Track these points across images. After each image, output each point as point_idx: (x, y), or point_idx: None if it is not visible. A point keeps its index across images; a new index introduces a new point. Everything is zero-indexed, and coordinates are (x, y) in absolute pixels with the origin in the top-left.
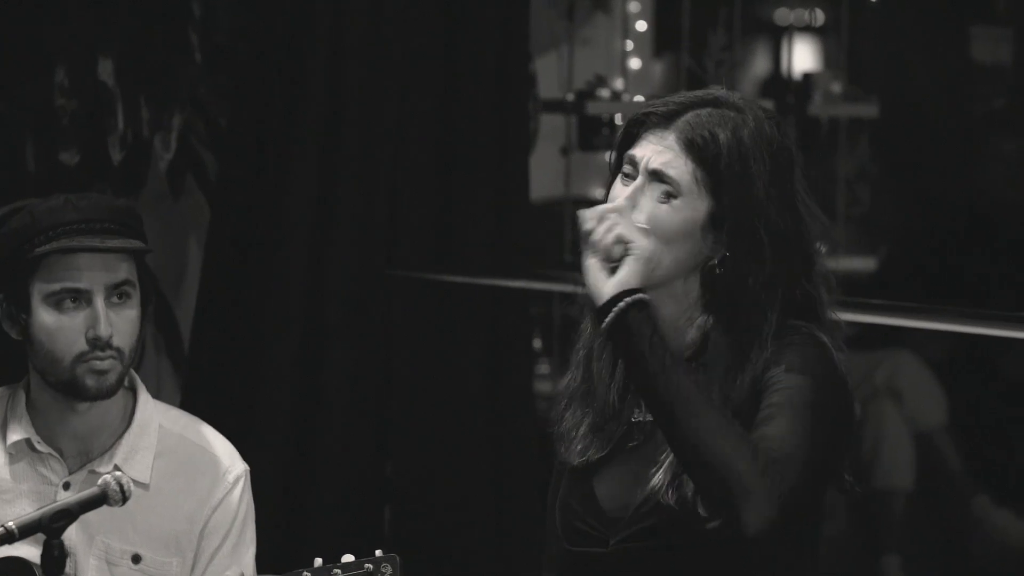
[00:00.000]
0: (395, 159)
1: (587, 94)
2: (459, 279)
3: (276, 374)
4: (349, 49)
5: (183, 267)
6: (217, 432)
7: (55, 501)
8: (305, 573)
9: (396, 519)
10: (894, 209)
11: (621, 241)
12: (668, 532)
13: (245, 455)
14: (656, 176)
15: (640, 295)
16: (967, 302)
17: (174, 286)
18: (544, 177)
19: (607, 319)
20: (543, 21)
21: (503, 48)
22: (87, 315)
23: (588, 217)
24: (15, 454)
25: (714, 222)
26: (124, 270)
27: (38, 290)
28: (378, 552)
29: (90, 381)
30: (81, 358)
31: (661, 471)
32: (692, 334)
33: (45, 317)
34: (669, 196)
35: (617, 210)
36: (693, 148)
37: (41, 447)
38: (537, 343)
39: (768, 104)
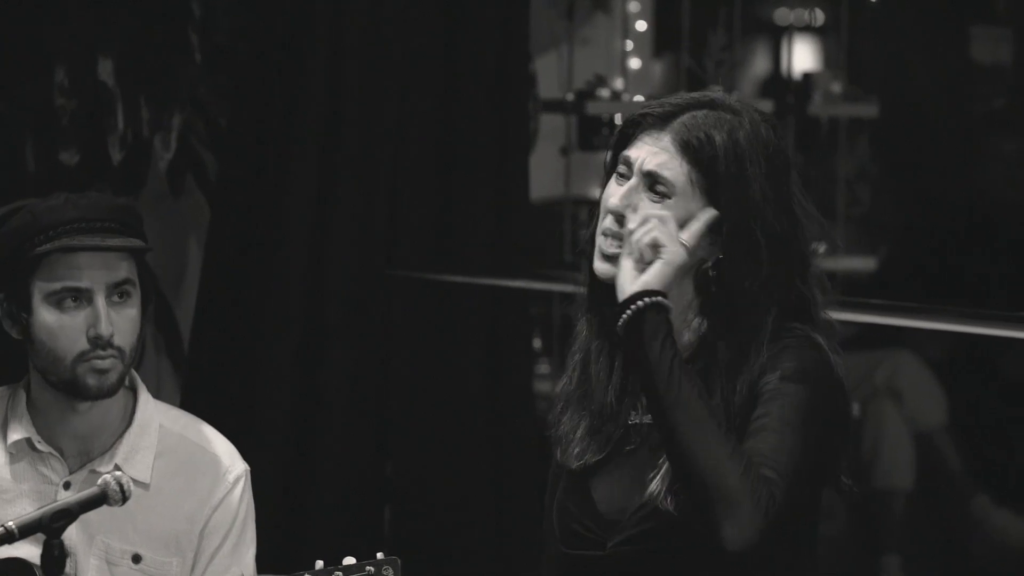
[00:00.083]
0: (395, 159)
1: (587, 94)
2: (459, 279)
3: (276, 374)
4: (349, 49)
5: (183, 267)
6: (217, 432)
7: (55, 501)
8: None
9: (396, 519)
10: (894, 209)
11: (656, 245)
12: (666, 536)
13: (245, 455)
14: (650, 177)
15: (659, 298)
16: (967, 302)
17: (174, 286)
18: (544, 177)
19: (624, 316)
20: (543, 21)
21: (503, 48)
22: (88, 314)
23: (633, 218)
24: (16, 454)
25: (709, 224)
26: (125, 269)
27: (39, 289)
28: (379, 555)
29: (91, 380)
30: (82, 357)
31: (659, 476)
32: (688, 336)
33: (46, 316)
34: (663, 197)
35: (660, 217)
36: (688, 150)
37: (42, 446)
38: (537, 343)
39: (768, 104)
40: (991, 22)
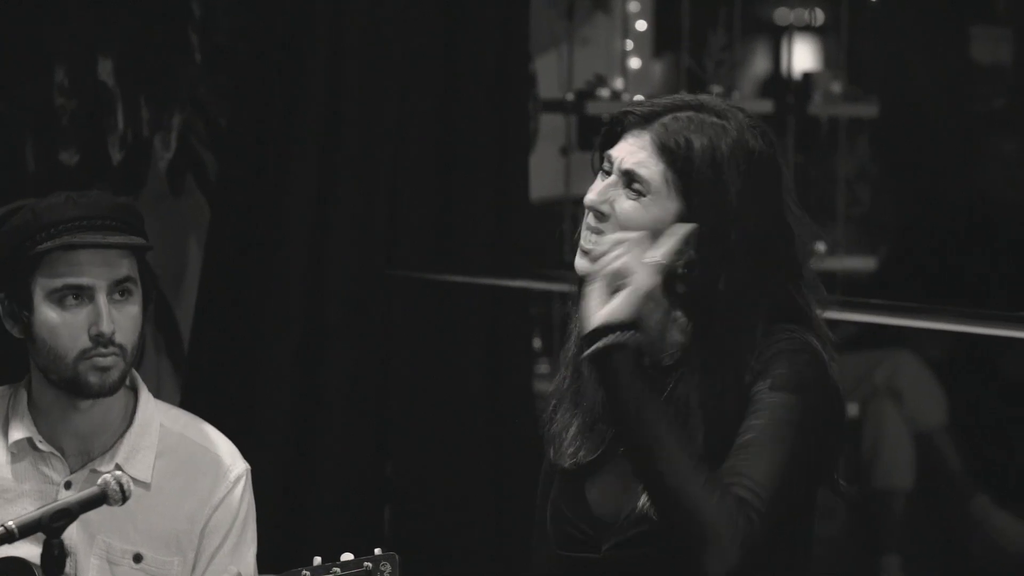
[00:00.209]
0: (395, 159)
1: (587, 94)
2: (459, 279)
3: (276, 374)
4: (349, 49)
5: (183, 267)
6: (218, 431)
7: (56, 500)
8: (304, 572)
9: (396, 519)
10: (894, 209)
11: (624, 271)
12: (660, 538)
13: (245, 455)
14: (627, 175)
15: (624, 334)
16: (967, 302)
17: (174, 286)
18: (544, 177)
19: (589, 350)
20: (543, 21)
21: (503, 48)
22: (89, 312)
23: (606, 242)
24: (17, 453)
25: (685, 239)
26: (126, 267)
27: (40, 287)
28: (377, 550)
29: (93, 378)
30: (84, 355)
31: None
32: (675, 335)
33: (47, 314)
34: (639, 195)
35: (633, 241)
36: (665, 151)
37: (43, 446)
38: (537, 343)
39: (768, 104)
40: (991, 22)
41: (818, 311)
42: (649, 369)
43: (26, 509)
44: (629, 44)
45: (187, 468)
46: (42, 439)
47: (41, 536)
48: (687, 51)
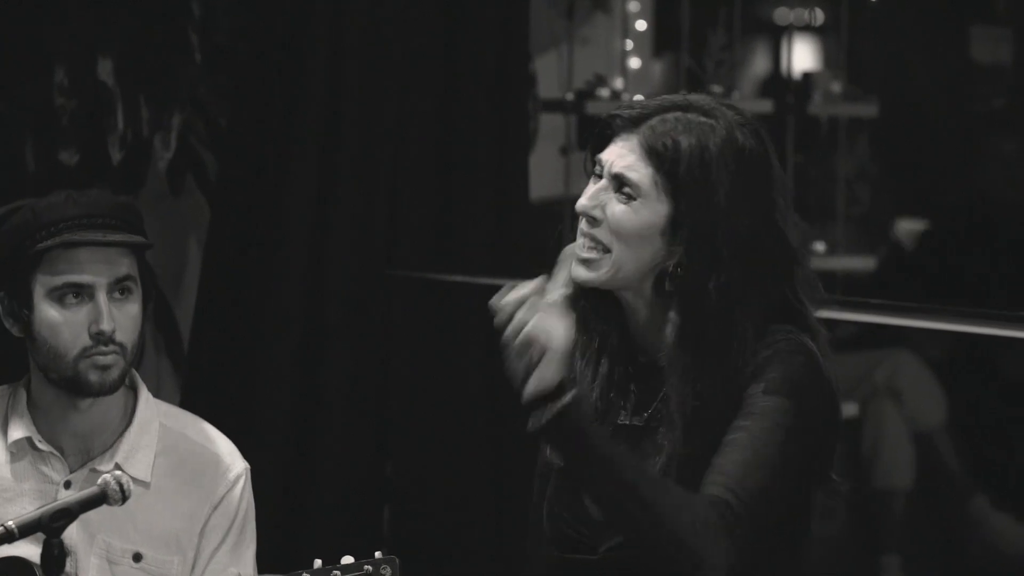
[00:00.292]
0: (395, 159)
1: (587, 94)
2: (459, 279)
3: (276, 374)
4: (349, 49)
5: (183, 267)
6: (218, 431)
7: (56, 500)
8: (304, 575)
9: (396, 519)
10: (894, 209)
11: (533, 338)
12: None
13: (245, 455)
14: (617, 179)
15: (564, 397)
16: (967, 302)
17: (174, 286)
18: (544, 177)
19: (539, 425)
20: (543, 21)
21: (503, 48)
22: (89, 310)
23: (499, 311)
24: (16, 453)
25: (674, 226)
26: (126, 265)
27: (40, 285)
28: (378, 554)
29: (93, 376)
30: (84, 353)
31: None
32: (669, 335)
33: (47, 312)
34: (629, 198)
35: (530, 299)
36: (653, 153)
37: (42, 445)
38: None
39: (768, 104)
40: (991, 22)
41: (814, 310)
42: (642, 368)
43: (26, 508)
44: (629, 44)
45: (187, 467)
46: (41, 438)
47: (41, 536)
48: (687, 51)
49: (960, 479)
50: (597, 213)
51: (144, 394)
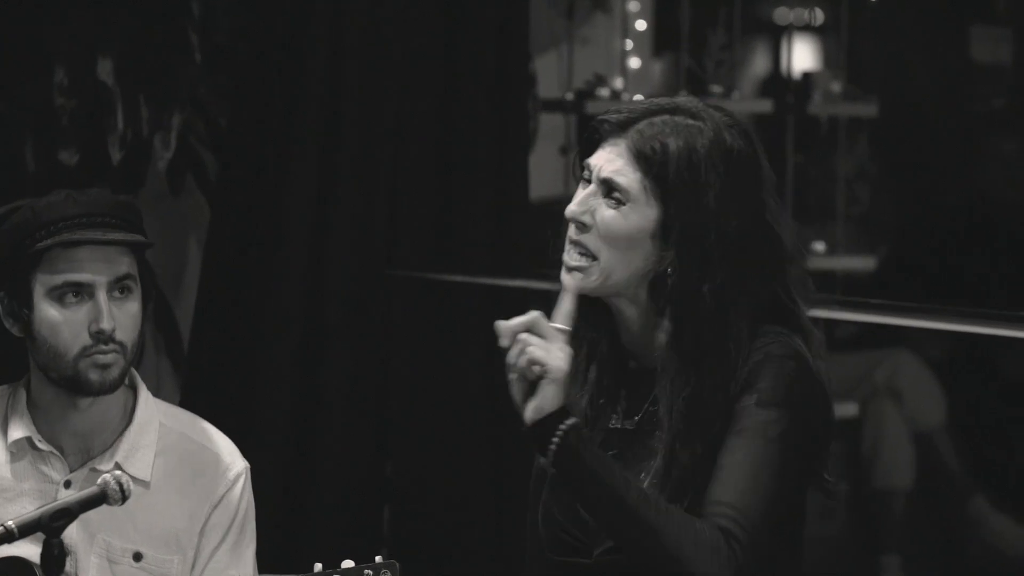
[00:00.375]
0: (395, 159)
1: (587, 93)
2: (459, 279)
3: (276, 374)
4: (349, 49)
5: (183, 267)
6: (217, 430)
7: (56, 499)
8: None
9: (396, 519)
10: (894, 209)
11: (534, 363)
12: None
13: (245, 455)
14: (606, 184)
15: (565, 423)
16: (967, 302)
17: (174, 286)
18: (544, 177)
19: (547, 455)
20: (543, 20)
21: (503, 48)
22: (89, 309)
23: (502, 334)
24: (16, 452)
25: (664, 230)
26: (126, 264)
27: (40, 284)
28: (378, 558)
29: (93, 375)
30: (84, 352)
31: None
32: (661, 338)
33: (47, 312)
34: (619, 203)
35: (529, 327)
36: (641, 157)
37: (42, 445)
38: None
39: (768, 103)
40: (991, 22)
41: (806, 309)
42: (633, 372)
43: (26, 508)
44: (629, 44)
45: (187, 466)
46: (41, 438)
47: (42, 535)
48: (687, 51)
49: (960, 479)
50: (587, 219)
51: (144, 393)
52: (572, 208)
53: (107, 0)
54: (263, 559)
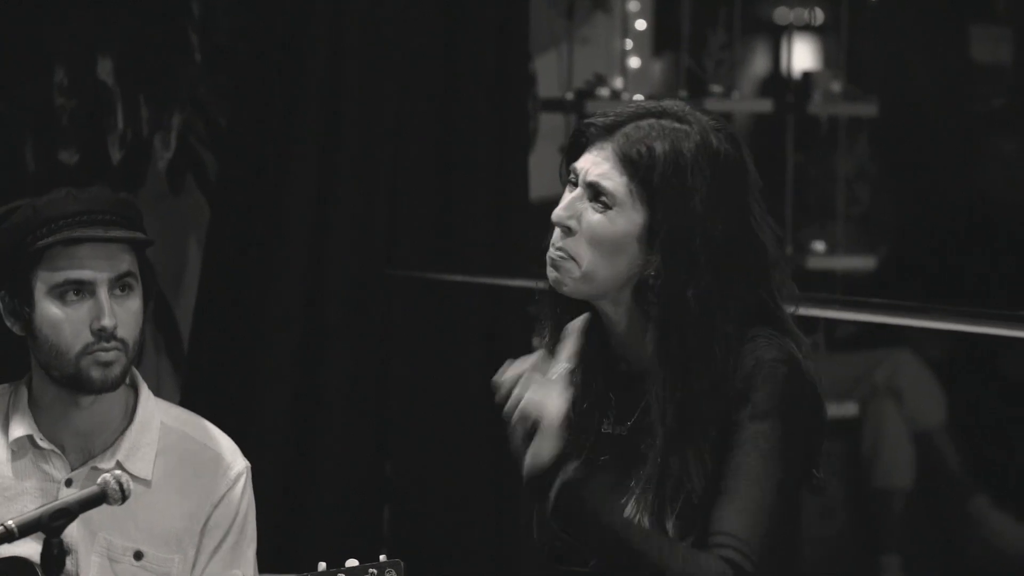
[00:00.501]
0: (395, 159)
1: (587, 93)
2: (459, 279)
3: (276, 374)
4: (349, 49)
5: (183, 267)
6: (218, 429)
7: (57, 498)
8: None
9: (395, 519)
10: (894, 208)
11: (531, 412)
12: None
13: (245, 455)
14: (592, 188)
15: (565, 471)
16: (967, 301)
17: (174, 285)
18: (544, 177)
19: (548, 504)
20: (543, 20)
21: (503, 48)
22: (91, 306)
23: (497, 385)
24: (17, 451)
25: (650, 234)
26: (127, 262)
27: (41, 282)
28: (382, 557)
29: (95, 373)
30: (86, 350)
31: (632, 500)
32: (650, 344)
33: (49, 309)
34: (605, 207)
35: (522, 377)
36: (627, 161)
37: (43, 443)
38: (537, 343)
39: (768, 103)
40: (991, 22)
41: (792, 313)
42: (623, 376)
43: (27, 507)
44: (629, 43)
45: (188, 465)
46: (42, 437)
47: (43, 535)
48: (687, 50)
49: (960, 479)
50: (572, 224)
51: (145, 392)
52: (558, 212)
53: (107, 0)
54: (263, 559)
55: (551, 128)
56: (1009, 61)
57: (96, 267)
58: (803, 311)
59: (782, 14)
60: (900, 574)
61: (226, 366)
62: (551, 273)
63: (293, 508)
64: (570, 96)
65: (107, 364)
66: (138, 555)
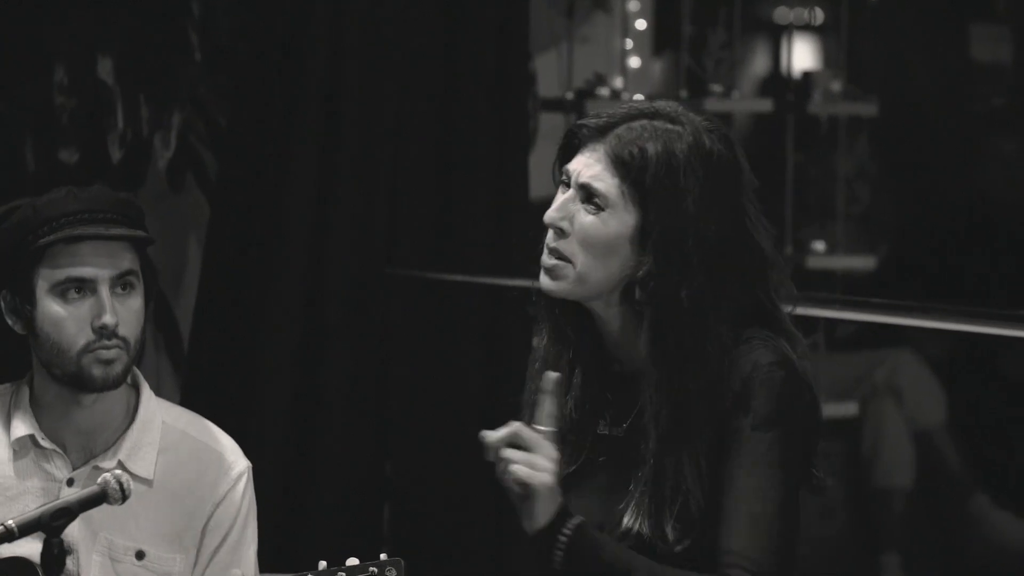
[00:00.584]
0: (395, 159)
1: (587, 93)
2: (459, 278)
3: (276, 374)
4: (349, 49)
5: (183, 266)
6: (220, 429)
7: (59, 498)
8: None
9: (396, 519)
10: (893, 208)
11: (524, 480)
12: (643, 554)
13: (244, 454)
14: (584, 190)
15: (567, 527)
16: (967, 301)
17: (174, 285)
18: (544, 176)
19: (557, 558)
20: (543, 20)
21: (503, 47)
22: (92, 304)
23: (487, 447)
24: (19, 450)
25: (642, 235)
26: (128, 260)
27: (43, 281)
28: (383, 555)
29: (97, 371)
30: (87, 348)
31: (631, 506)
32: (643, 344)
33: (50, 308)
34: (598, 209)
35: (511, 439)
36: (619, 162)
37: (45, 443)
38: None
39: (768, 103)
40: (991, 21)
41: (790, 313)
42: (618, 377)
43: (28, 506)
44: (629, 43)
45: (189, 465)
46: (44, 436)
47: (43, 534)
48: (687, 50)
49: (960, 479)
50: (565, 225)
51: (146, 392)
52: (551, 214)
53: (107, 0)
54: (263, 559)
55: (551, 128)
56: (1009, 61)
57: (97, 265)
58: (803, 311)
59: (782, 14)
60: (900, 574)
61: (226, 366)
62: (544, 280)
63: (293, 508)
64: (570, 96)
65: (108, 362)
66: (139, 555)
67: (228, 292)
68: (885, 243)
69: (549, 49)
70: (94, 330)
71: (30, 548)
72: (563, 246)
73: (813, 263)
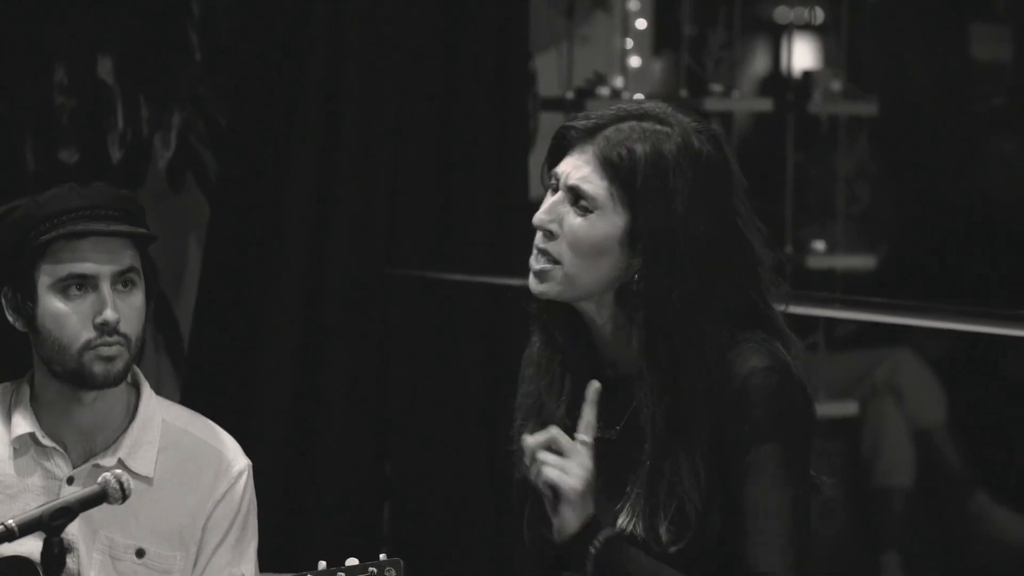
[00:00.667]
0: (395, 159)
1: (587, 92)
2: (459, 278)
3: (276, 374)
4: (349, 49)
5: (183, 266)
6: (220, 427)
7: (59, 496)
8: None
9: (396, 519)
10: (893, 208)
11: (551, 485)
12: None
13: (245, 454)
14: (573, 192)
15: (596, 537)
16: (967, 301)
17: (174, 285)
18: None
19: (588, 567)
20: (543, 19)
21: (503, 47)
22: (94, 301)
23: (525, 452)
24: (19, 448)
25: (632, 237)
26: (129, 257)
27: (44, 276)
28: (382, 556)
29: (98, 368)
30: (89, 345)
31: (627, 507)
32: (635, 346)
33: (52, 304)
34: (586, 211)
35: (548, 443)
36: (608, 164)
37: (45, 441)
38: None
39: (768, 102)
40: (991, 21)
41: (783, 312)
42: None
43: (29, 504)
44: (629, 42)
45: (189, 463)
46: (44, 434)
47: (43, 534)
48: (687, 50)
49: (960, 478)
50: (554, 227)
51: (147, 390)
52: (539, 216)
53: (107, 0)
54: (263, 559)
55: (551, 128)
56: (1009, 61)
57: (99, 261)
58: (803, 311)
59: (782, 13)
60: (900, 573)
61: (226, 366)
62: (532, 283)
63: (293, 508)
64: (570, 95)
65: (109, 359)
66: (140, 553)
67: (228, 292)
68: (885, 243)
69: (549, 49)
70: (95, 327)
71: (30, 547)
72: (552, 248)
73: (813, 263)
